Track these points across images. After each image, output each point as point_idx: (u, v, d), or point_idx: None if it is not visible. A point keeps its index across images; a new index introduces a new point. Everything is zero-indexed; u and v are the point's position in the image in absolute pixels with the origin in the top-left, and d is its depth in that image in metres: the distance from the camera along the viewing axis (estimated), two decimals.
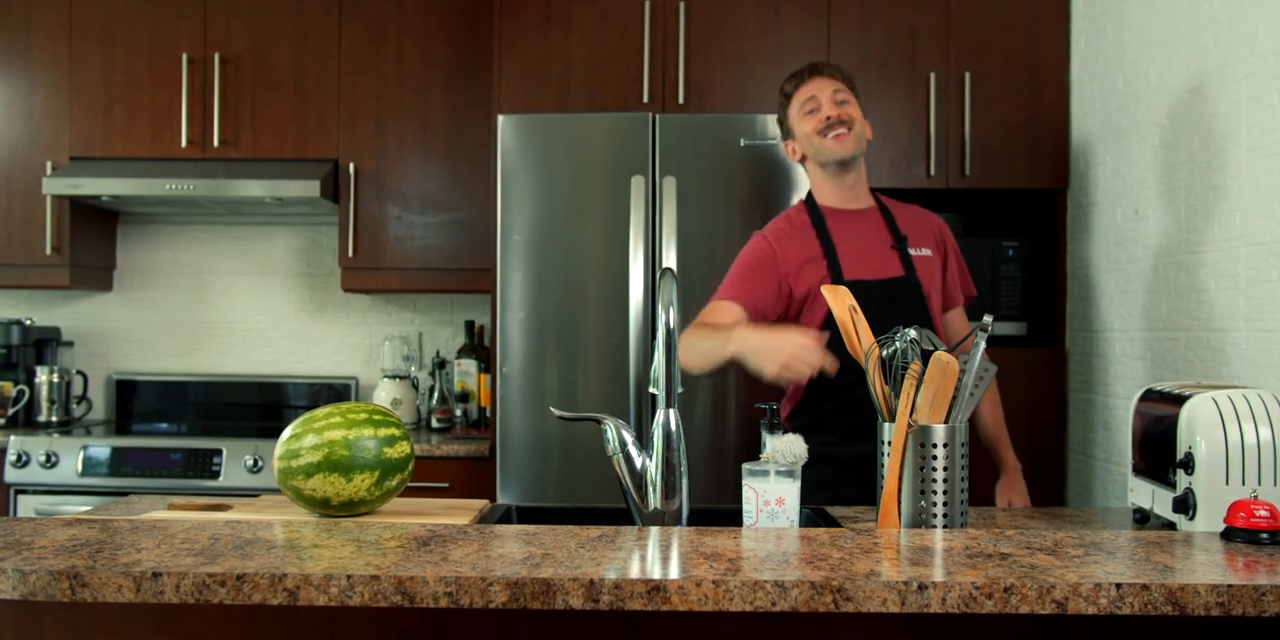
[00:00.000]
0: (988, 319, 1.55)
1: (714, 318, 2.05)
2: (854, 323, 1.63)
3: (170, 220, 3.68)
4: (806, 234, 2.13)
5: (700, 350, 1.94)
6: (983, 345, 1.54)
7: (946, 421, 1.52)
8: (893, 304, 2.07)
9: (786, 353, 1.73)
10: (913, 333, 1.56)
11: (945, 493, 1.51)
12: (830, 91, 2.14)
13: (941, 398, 1.51)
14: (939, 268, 2.19)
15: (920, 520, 1.51)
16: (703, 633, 1.32)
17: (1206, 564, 1.24)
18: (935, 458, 1.51)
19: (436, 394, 3.40)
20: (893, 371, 1.57)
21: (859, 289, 1.97)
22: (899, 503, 1.52)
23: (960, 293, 2.24)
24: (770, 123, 2.73)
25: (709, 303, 2.11)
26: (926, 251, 2.17)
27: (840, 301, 1.64)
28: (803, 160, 2.21)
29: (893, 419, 1.56)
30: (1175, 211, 2.35)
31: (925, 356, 1.55)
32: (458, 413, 3.35)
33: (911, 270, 2.12)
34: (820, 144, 2.12)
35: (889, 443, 1.54)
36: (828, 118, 2.11)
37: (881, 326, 1.95)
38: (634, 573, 1.16)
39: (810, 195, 2.21)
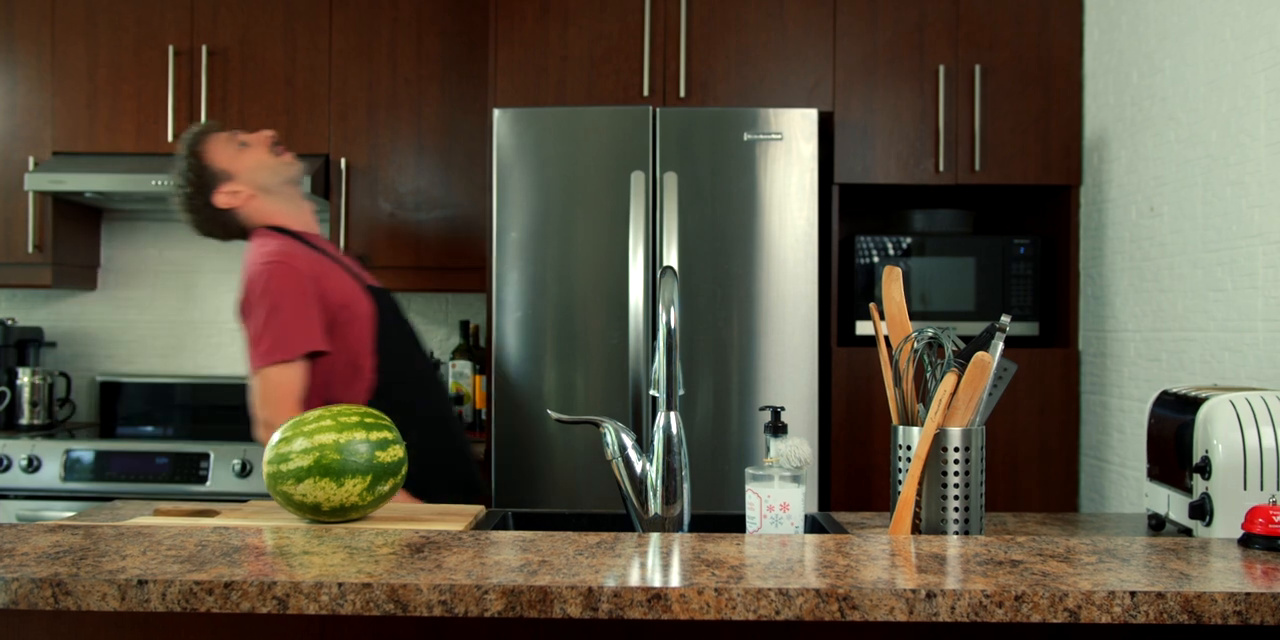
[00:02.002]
0: (1005, 319, 1.54)
1: (295, 387, 1.89)
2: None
3: (156, 217, 3.63)
4: (308, 251, 2.02)
5: None
6: (1001, 345, 1.51)
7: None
8: (398, 312, 2.12)
9: None
10: (931, 331, 1.50)
11: (966, 498, 1.46)
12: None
13: (969, 400, 1.46)
14: None
15: (935, 527, 1.46)
16: None
17: (1224, 571, 1.22)
18: (955, 462, 1.45)
19: None
20: (901, 372, 1.51)
21: (375, 292, 2.06)
22: (914, 509, 1.48)
23: None
24: (775, 116, 2.68)
25: (271, 368, 1.87)
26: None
27: (894, 280, 1.58)
28: (249, 196, 2.06)
29: (910, 422, 1.50)
30: (1192, 208, 2.32)
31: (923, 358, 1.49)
32: None
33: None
34: (276, 163, 2.07)
35: (906, 447, 1.48)
36: (270, 136, 2.08)
37: (400, 329, 2.07)
38: (634, 580, 1.15)
39: (271, 227, 2.06)
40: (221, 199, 2.04)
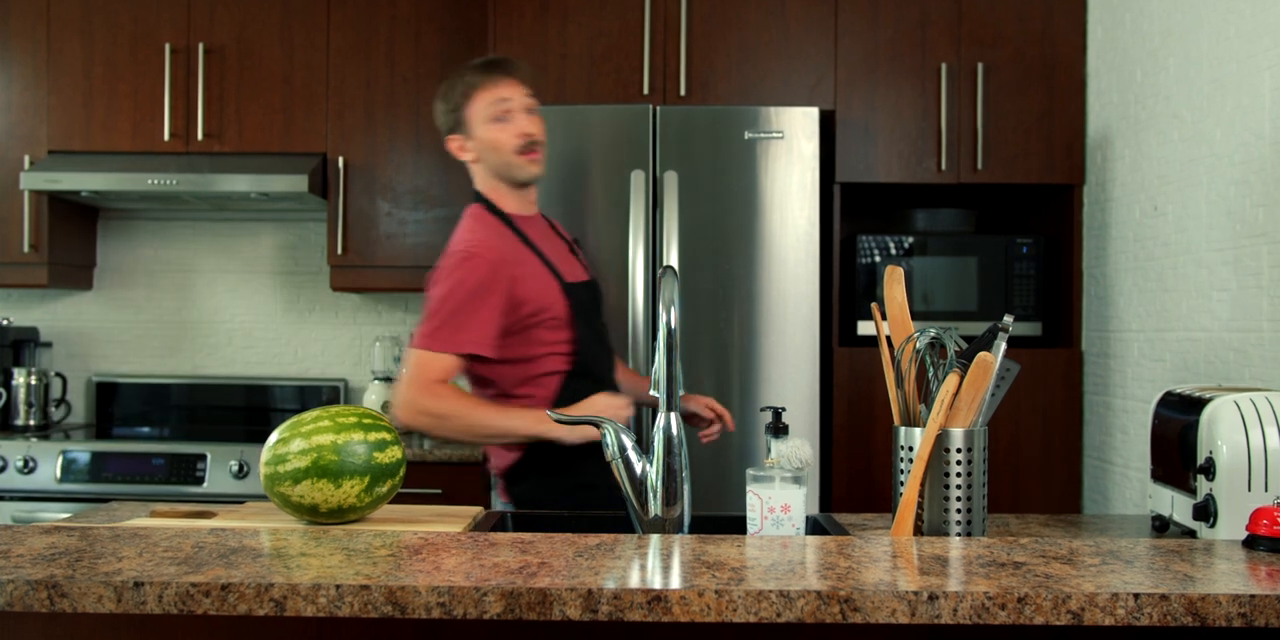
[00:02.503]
0: (1008, 319, 1.53)
1: (442, 374, 1.88)
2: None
3: (153, 216, 3.61)
4: (512, 241, 1.99)
5: (479, 428, 1.88)
6: (1003, 346, 1.49)
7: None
8: (596, 307, 2.09)
9: (601, 410, 1.85)
10: (933, 332, 1.49)
11: (968, 499, 1.45)
12: (522, 97, 2.01)
13: (972, 401, 1.44)
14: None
15: (937, 529, 1.45)
16: None
17: (1228, 573, 1.22)
18: (957, 463, 1.44)
19: None
20: (904, 373, 1.49)
21: (575, 292, 2.00)
22: (916, 511, 1.47)
23: None
24: (776, 115, 2.66)
25: (424, 351, 1.88)
26: (583, 255, 2.22)
27: (896, 280, 1.57)
28: (474, 161, 2.05)
29: (912, 423, 1.48)
30: (1196, 207, 2.31)
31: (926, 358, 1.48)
32: None
33: (593, 273, 2.16)
34: (514, 161, 2.00)
35: (908, 448, 1.47)
36: (528, 134, 1.99)
37: (590, 329, 2.01)
38: (634, 582, 1.14)
39: (488, 200, 2.04)
40: (452, 144, 2.05)
